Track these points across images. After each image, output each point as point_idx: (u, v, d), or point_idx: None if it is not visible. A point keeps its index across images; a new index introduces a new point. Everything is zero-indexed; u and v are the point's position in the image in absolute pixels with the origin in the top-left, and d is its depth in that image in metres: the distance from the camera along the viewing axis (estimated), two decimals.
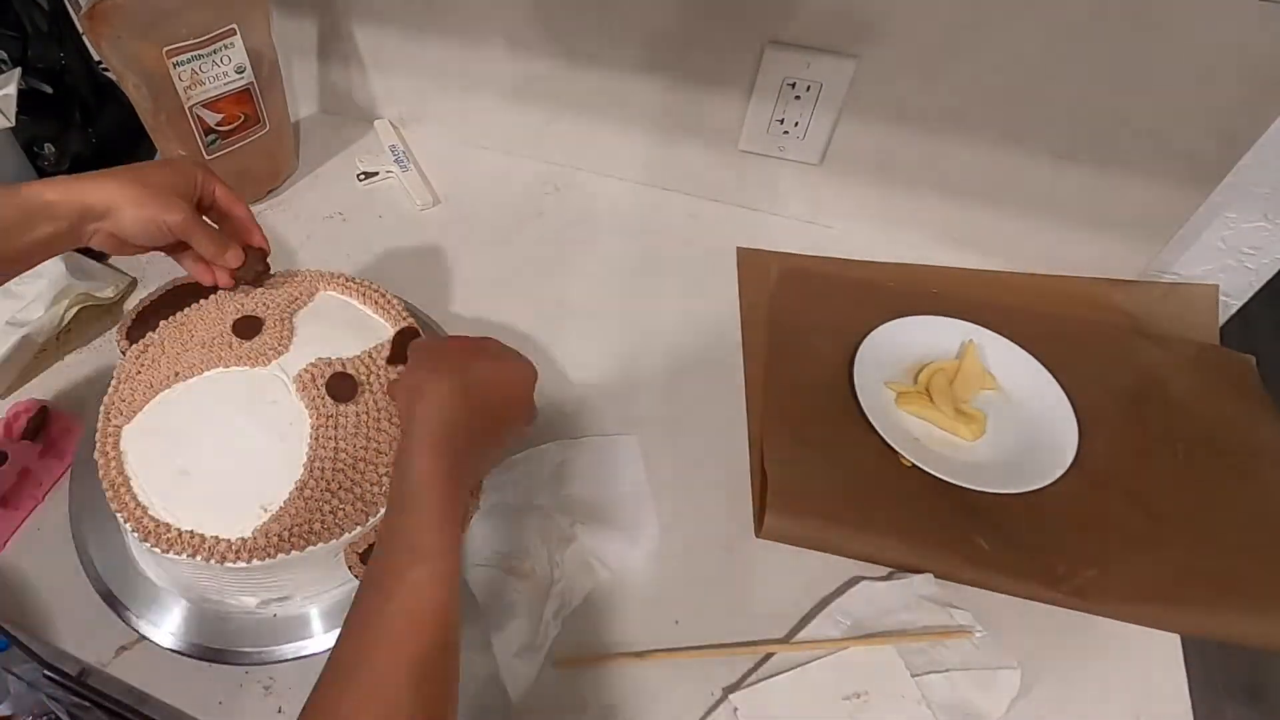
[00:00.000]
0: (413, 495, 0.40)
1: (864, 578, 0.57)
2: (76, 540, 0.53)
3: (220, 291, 0.58)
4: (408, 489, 0.40)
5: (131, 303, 0.68)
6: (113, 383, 0.52)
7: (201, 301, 0.57)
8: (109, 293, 0.72)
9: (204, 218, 0.55)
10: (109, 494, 0.47)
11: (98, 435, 0.50)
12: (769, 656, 0.53)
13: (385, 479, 0.48)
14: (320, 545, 0.46)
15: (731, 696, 0.51)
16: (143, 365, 0.53)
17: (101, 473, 0.48)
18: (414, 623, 0.37)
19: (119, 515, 0.47)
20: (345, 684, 0.36)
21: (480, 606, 0.53)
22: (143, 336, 0.55)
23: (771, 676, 0.52)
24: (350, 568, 0.46)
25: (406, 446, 0.41)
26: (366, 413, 0.51)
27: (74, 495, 0.55)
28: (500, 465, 0.60)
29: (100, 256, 0.76)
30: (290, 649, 0.50)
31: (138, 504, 0.47)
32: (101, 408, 0.51)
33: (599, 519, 0.57)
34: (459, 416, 0.42)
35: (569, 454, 0.61)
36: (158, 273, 0.77)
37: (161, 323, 0.56)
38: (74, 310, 0.69)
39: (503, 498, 0.58)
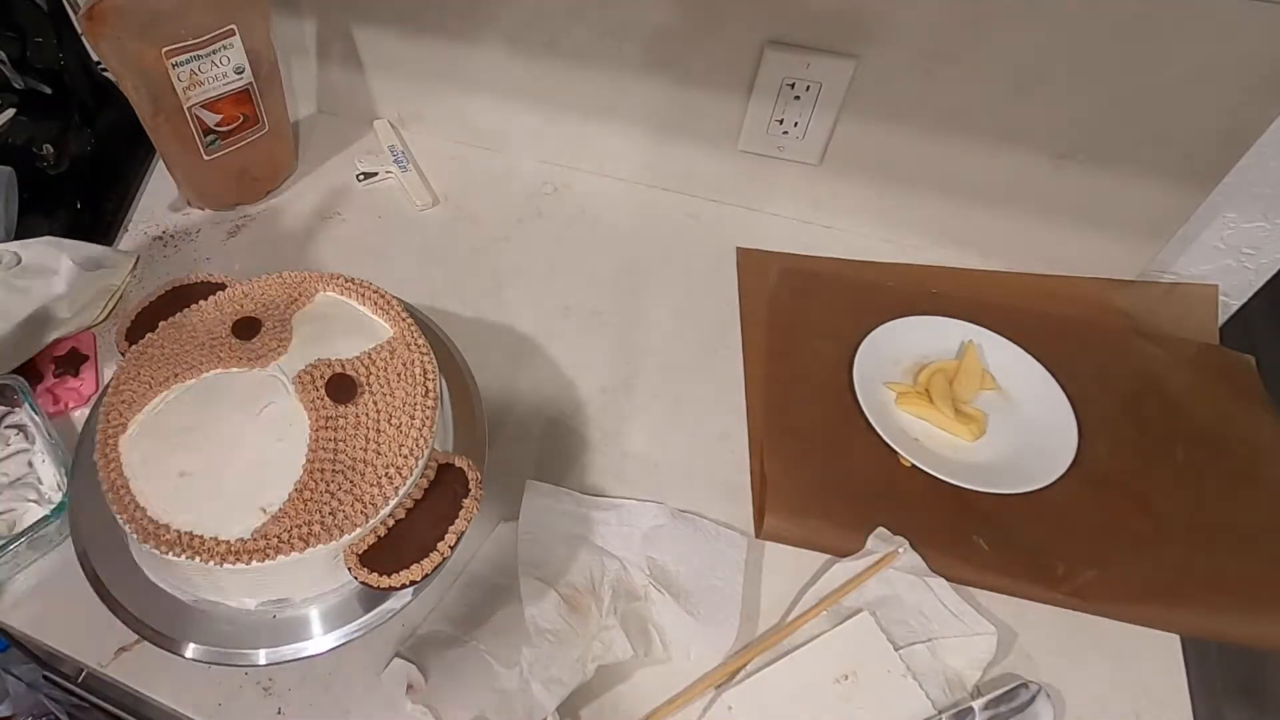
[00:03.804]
0: None
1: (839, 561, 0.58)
2: (75, 541, 0.53)
3: (219, 293, 0.58)
4: None
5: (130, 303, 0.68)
6: (111, 384, 0.52)
7: (200, 303, 0.57)
8: (122, 276, 0.74)
9: None
10: (109, 495, 0.47)
11: (97, 437, 0.49)
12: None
13: (385, 480, 0.48)
14: (320, 546, 0.46)
15: (724, 695, 0.51)
16: (141, 366, 0.53)
17: (101, 474, 0.48)
18: None
19: (118, 517, 0.47)
20: None
21: (525, 620, 0.53)
22: (141, 338, 0.55)
23: (761, 670, 0.52)
24: (350, 569, 0.46)
25: None
26: (366, 413, 0.50)
27: (73, 496, 0.55)
28: (602, 506, 0.59)
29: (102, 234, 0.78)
30: (290, 650, 0.49)
31: (137, 505, 0.47)
32: (101, 409, 0.51)
33: (678, 596, 0.55)
34: None
35: (670, 523, 0.59)
36: (154, 275, 0.77)
37: (160, 324, 0.56)
38: (109, 310, 0.72)
39: (586, 535, 0.58)
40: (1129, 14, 0.60)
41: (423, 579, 0.46)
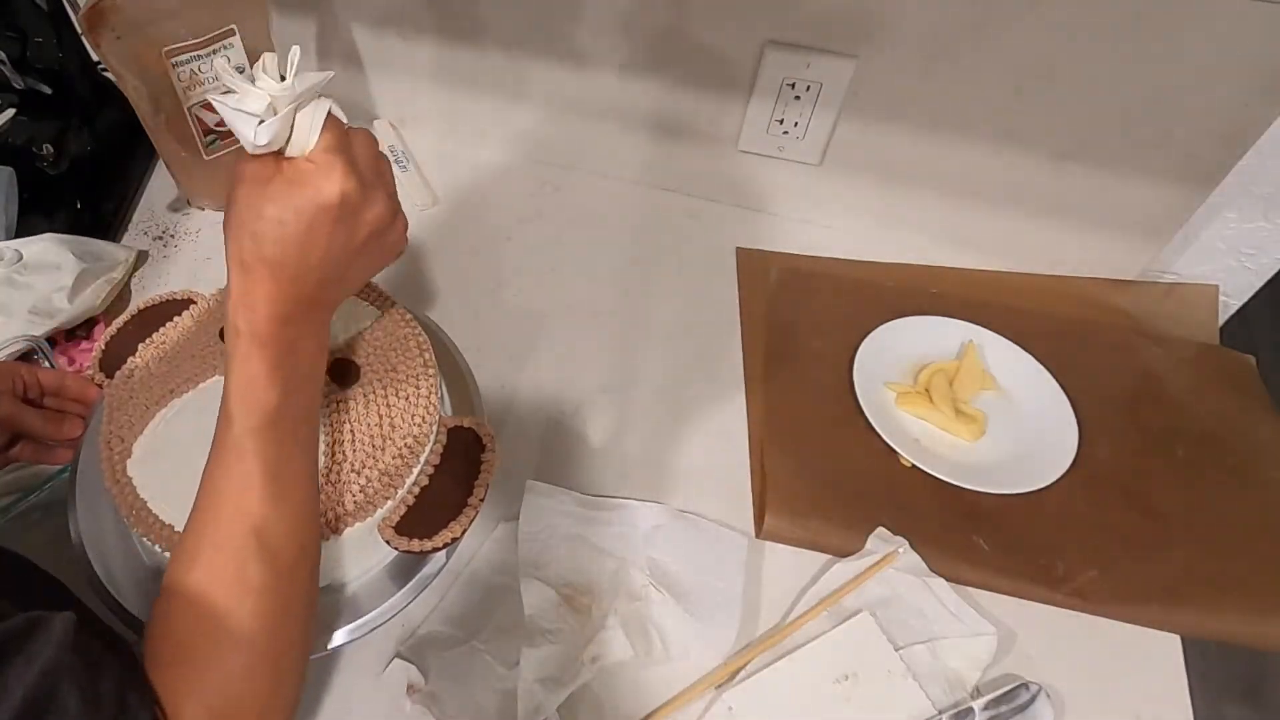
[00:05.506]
0: (229, 350, 0.41)
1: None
2: (86, 551, 0.52)
3: (193, 306, 0.58)
4: (226, 346, 0.41)
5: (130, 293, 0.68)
6: (105, 413, 0.51)
7: (175, 319, 0.57)
8: (123, 270, 0.75)
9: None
10: (130, 520, 0.47)
11: (103, 466, 0.49)
12: None
13: (405, 451, 0.48)
14: (357, 525, 0.46)
15: (724, 695, 0.51)
16: (132, 391, 0.52)
17: (117, 501, 0.47)
18: (245, 484, 0.39)
19: (146, 539, 0.46)
20: (193, 556, 0.39)
21: (525, 620, 0.53)
22: (121, 365, 0.54)
23: (761, 670, 0.52)
24: (389, 541, 0.46)
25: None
26: (372, 390, 0.51)
27: (79, 518, 0.53)
28: (602, 506, 0.60)
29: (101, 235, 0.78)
30: None
31: (163, 524, 0.46)
32: (101, 440, 0.50)
33: (678, 596, 0.55)
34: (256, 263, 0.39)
35: (670, 523, 0.59)
36: (154, 275, 0.77)
37: (139, 346, 0.55)
38: (109, 300, 0.73)
39: (586, 535, 0.58)
40: (1129, 14, 0.60)
41: (462, 534, 0.47)
